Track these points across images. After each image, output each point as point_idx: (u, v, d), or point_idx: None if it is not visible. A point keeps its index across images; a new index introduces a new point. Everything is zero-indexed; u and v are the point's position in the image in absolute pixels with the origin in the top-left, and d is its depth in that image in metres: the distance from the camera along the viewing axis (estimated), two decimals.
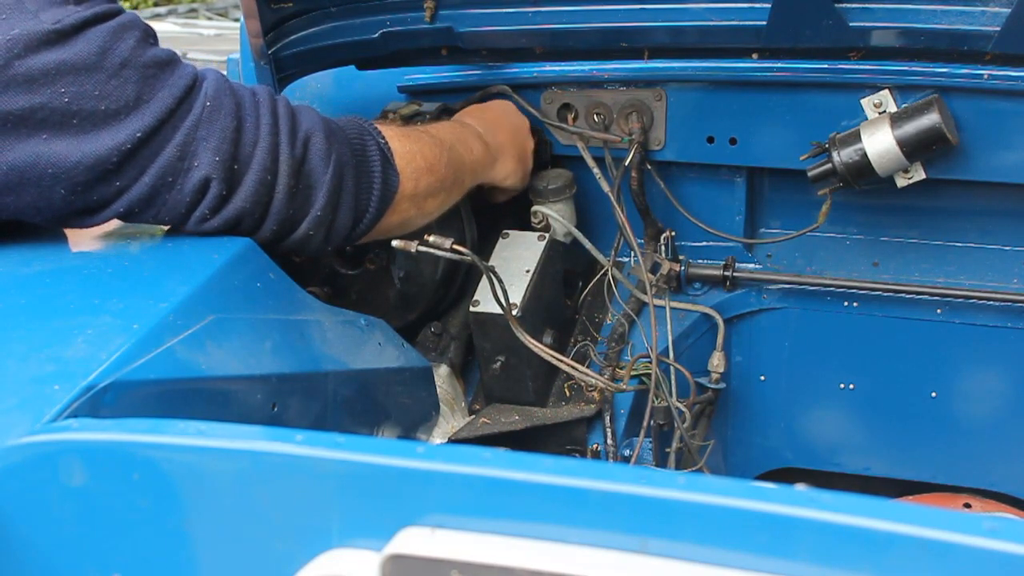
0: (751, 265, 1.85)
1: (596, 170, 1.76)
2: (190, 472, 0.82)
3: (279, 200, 1.22)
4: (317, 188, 1.25)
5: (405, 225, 1.42)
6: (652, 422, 1.62)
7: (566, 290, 1.80)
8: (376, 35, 1.68)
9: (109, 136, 1.10)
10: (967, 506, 1.84)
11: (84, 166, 1.10)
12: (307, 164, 1.24)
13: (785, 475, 2.00)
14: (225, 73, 1.48)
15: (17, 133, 1.08)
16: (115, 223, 1.30)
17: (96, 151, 1.09)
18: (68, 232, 1.29)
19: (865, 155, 1.57)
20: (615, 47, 1.69)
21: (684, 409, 1.63)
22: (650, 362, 1.64)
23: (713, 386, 1.77)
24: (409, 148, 1.39)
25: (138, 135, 1.11)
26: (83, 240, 1.25)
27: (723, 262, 1.82)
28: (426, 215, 1.45)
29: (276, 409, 1.13)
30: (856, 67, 1.59)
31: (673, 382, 1.67)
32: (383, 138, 1.36)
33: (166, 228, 1.31)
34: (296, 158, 1.22)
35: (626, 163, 1.71)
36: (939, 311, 1.77)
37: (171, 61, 1.16)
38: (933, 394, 1.84)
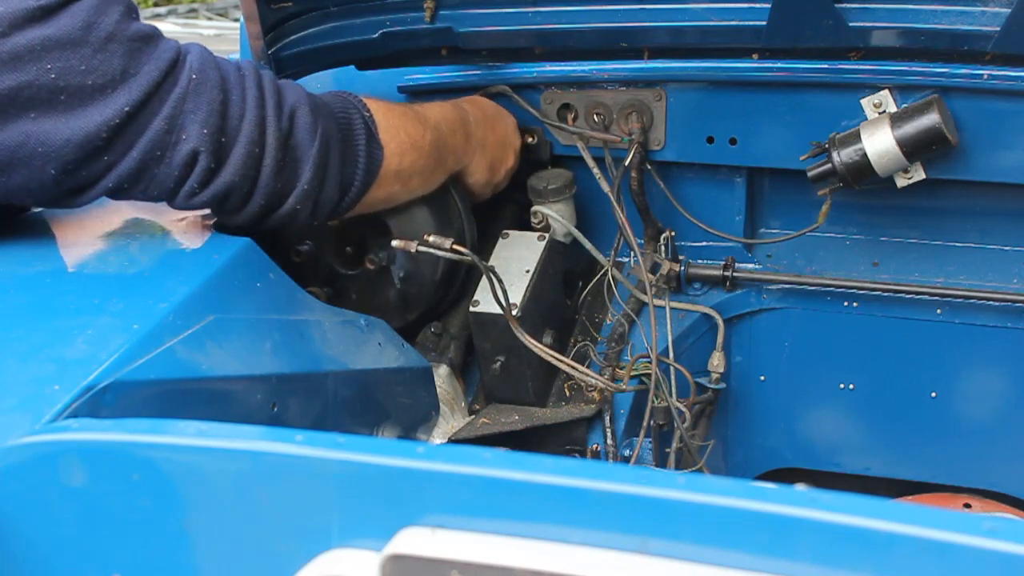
0: (751, 265, 1.85)
1: (596, 170, 1.76)
2: (190, 472, 0.82)
3: (267, 173, 1.22)
4: (304, 161, 1.25)
5: (390, 200, 1.44)
6: (652, 422, 1.62)
7: (566, 290, 1.80)
8: (376, 35, 1.68)
9: (97, 112, 1.09)
10: (967, 506, 1.84)
11: (74, 143, 1.09)
12: (294, 137, 1.24)
13: (785, 475, 2.00)
14: None
15: (5, 113, 1.07)
16: (116, 221, 1.31)
17: (85, 127, 1.09)
18: (68, 231, 1.29)
19: (865, 155, 1.57)
20: (615, 47, 1.69)
21: (684, 409, 1.63)
22: (650, 362, 1.64)
23: (713, 386, 1.76)
24: (393, 123, 1.39)
25: (126, 109, 1.10)
26: (83, 240, 1.25)
27: (723, 262, 1.82)
28: (410, 192, 1.47)
29: (276, 409, 1.13)
30: (856, 67, 1.59)
31: (673, 382, 1.66)
32: (368, 111, 1.36)
33: (166, 227, 1.31)
34: (283, 131, 1.22)
35: (626, 163, 1.71)
36: (939, 311, 1.77)
37: (155, 35, 1.15)
38: (933, 394, 1.84)
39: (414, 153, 1.41)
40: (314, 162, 1.25)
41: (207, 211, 1.26)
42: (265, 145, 1.21)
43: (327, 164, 1.28)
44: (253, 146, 1.19)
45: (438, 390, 1.58)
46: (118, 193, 1.18)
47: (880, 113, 1.60)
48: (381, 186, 1.38)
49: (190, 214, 1.35)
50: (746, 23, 1.55)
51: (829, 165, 1.61)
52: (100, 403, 0.91)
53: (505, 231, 1.70)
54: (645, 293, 1.71)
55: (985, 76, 1.53)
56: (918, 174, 1.62)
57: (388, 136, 1.37)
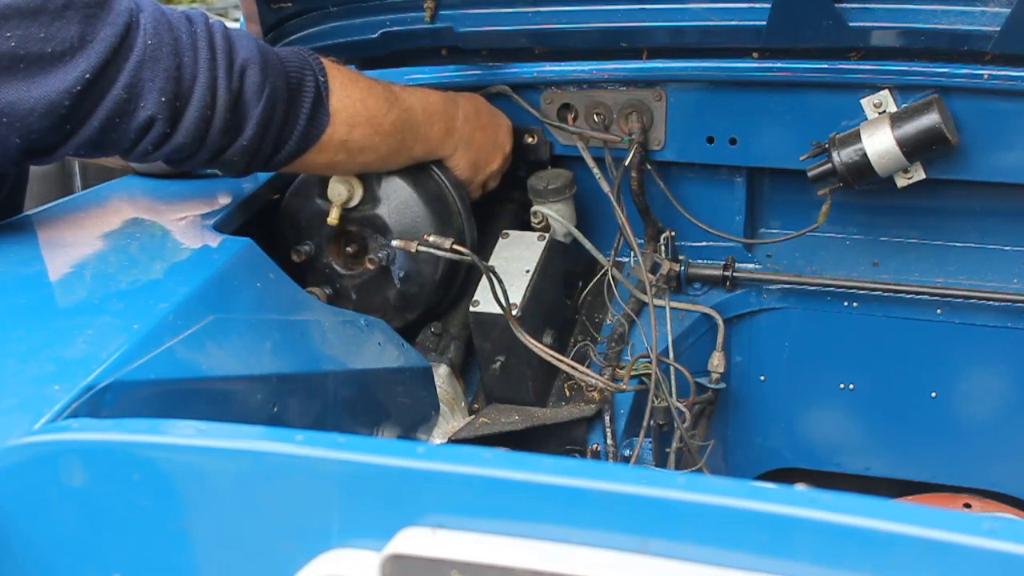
0: (751, 265, 1.85)
1: (596, 170, 1.76)
2: (190, 472, 0.82)
3: (215, 133, 1.23)
4: (247, 120, 1.26)
5: (332, 167, 1.45)
6: (652, 422, 1.62)
7: (566, 290, 1.80)
8: (376, 35, 1.68)
9: (58, 79, 1.09)
10: (967, 506, 1.84)
11: (38, 113, 1.09)
12: (242, 96, 1.25)
13: (785, 475, 2.00)
14: None
15: None
16: (116, 222, 1.31)
17: (48, 96, 1.09)
18: (68, 231, 1.29)
19: (865, 155, 1.57)
20: (615, 47, 1.69)
21: (684, 409, 1.63)
22: (650, 362, 1.64)
23: (713, 386, 1.76)
24: (350, 93, 1.39)
25: (87, 76, 1.10)
26: (83, 240, 1.26)
27: (723, 262, 1.82)
28: (359, 165, 1.47)
29: (276, 409, 1.13)
30: (856, 67, 1.59)
31: (673, 382, 1.66)
32: (324, 76, 1.36)
33: (166, 227, 1.31)
34: (232, 91, 1.23)
35: (626, 163, 1.71)
36: (939, 311, 1.77)
37: None
38: (933, 394, 1.84)
39: (367, 128, 1.41)
40: (257, 121, 1.26)
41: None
42: (216, 107, 1.22)
43: (269, 124, 1.28)
44: (205, 109, 1.20)
45: (438, 390, 1.58)
46: (77, 156, 1.20)
47: (880, 113, 1.60)
48: (322, 152, 1.37)
49: (190, 213, 1.35)
50: (746, 23, 1.55)
51: (829, 165, 1.61)
52: (100, 403, 0.91)
53: (505, 231, 1.70)
54: (645, 293, 1.71)
55: (985, 76, 1.53)
56: (918, 174, 1.62)
57: (341, 105, 1.37)
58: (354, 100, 1.38)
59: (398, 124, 1.45)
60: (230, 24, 1.32)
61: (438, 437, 1.55)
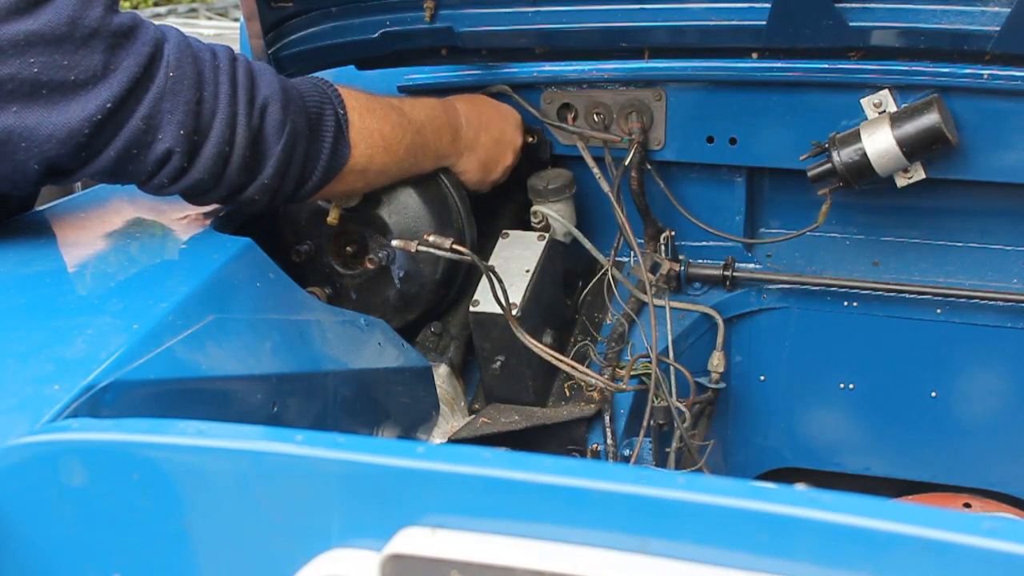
0: (751, 265, 1.85)
1: (596, 170, 1.76)
2: (190, 472, 0.82)
3: (232, 170, 1.23)
4: (268, 158, 1.26)
5: (349, 192, 1.48)
6: (652, 422, 1.62)
7: (566, 290, 1.80)
8: (376, 35, 1.68)
9: (79, 107, 1.09)
10: (967, 506, 1.84)
11: (57, 139, 1.09)
12: (262, 133, 1.25)
13: (785, 475, 2.00)
14: None
15: None
16: (116, 222, 1.31)
17: (68, 123, 1.09)
18: (68, 231, 1.29)
19: (865, 155, 1.57)
20: (615, 47, 1.69)
21: (684, 409, 1.63)
22: (650, 362, 1.64)
23: (713, 386, 1.76)
24: (368, 124, 1.40)
25: (108, 106, 1.10)
26: (83, 240, 1.26)
27: (723, 262, 1.82)
28: (372, 187, 1.50)
29: (276, 409, 1.13)
30: (856, 67, 1.59)
31: (673, 382, 1.66)
32: (343, 108, 1.37)
33: (166, 227, 1.31)
34: (252, 129, 1.23)
35: (626, 163, 1.71)
36: (939, 311, 1.77)
37: (135, 27, 1.14)
38: (933, 394, 1.84)
39: (385, 156, 1.42)
40: (277, 159, 1.26)
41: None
42: (234, 144, 1.21)
43: (290, 162, 1.29)
44: (224, 145, 1.20)
45: (438, 390, 1.58)
46: (93, 180, 1.20)
47: (880, 113, 1.60)
48: (342, 181, 1.39)
49: (191, 212, 1.35)
50: (746, 23, 1.55)
51: (829, 165, 1.61)
52: (100, 403, 0.91)
53: (505, 231, 1.70)
54: (645, 293, 1.71)
55: (985, 76, 1.53)
56: (918, 174, 1.62)
57: (359, 136, 1.38)
58: (372, 131, 1.40)
59: (411, 146, 1.47)
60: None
61: (438, 437, 1.55)
